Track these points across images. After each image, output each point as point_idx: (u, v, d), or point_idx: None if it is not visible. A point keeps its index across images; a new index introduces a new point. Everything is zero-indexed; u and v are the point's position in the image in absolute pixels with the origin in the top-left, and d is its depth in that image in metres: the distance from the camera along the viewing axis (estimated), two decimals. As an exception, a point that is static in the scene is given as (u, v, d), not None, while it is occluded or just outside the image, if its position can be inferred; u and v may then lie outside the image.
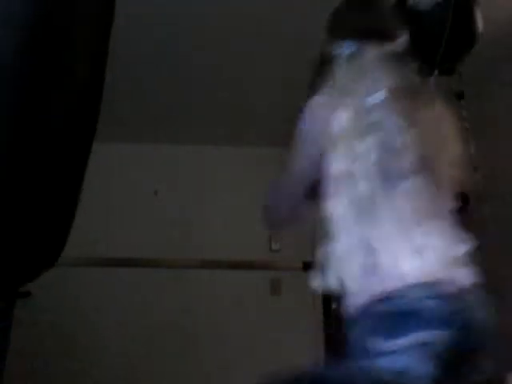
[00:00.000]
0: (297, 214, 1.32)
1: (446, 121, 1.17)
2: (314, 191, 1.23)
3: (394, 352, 0.95)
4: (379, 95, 1.10)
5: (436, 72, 1.30)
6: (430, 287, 0.97)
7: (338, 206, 1.11)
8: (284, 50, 2.64)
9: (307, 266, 2.99)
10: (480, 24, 1.32)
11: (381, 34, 1.24)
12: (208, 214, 3.54)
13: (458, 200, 1.16)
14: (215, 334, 3.26)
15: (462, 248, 1.06)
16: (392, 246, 1.02)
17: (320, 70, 1.40)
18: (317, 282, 1.13)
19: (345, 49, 1.29)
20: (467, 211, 1.40)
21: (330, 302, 3.47)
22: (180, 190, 3.55)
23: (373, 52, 1.20)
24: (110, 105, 3.28)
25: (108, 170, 3.54)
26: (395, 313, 0.98)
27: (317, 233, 1.32)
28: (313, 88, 1.40)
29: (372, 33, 1.26)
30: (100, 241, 3.15)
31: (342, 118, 1.14)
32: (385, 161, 1.06)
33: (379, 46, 1.21)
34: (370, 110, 1.10)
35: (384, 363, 0.96)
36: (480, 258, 1.32)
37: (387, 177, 1.05)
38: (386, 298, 0.98)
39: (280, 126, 3.52)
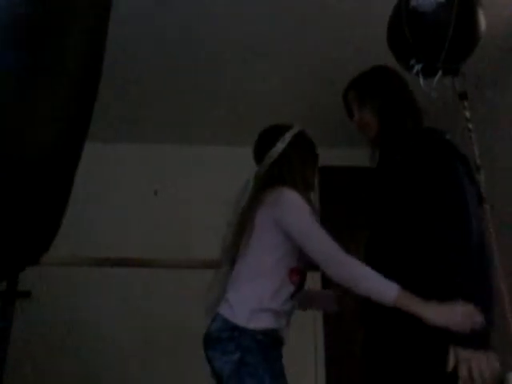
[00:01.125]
0: None
1: None
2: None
3: None
4: None
5: (440, 73, 1.29)
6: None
7: None
8: (284, 49, 2.64)
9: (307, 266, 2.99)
10: (483, 24, 1.32)
11: None
12: (208, 214, 3.54)
13: None
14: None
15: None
16: None
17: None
18: None
19: None
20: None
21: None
22: (180, 190, 3.55)
23: None
24: (109, 105, 3.30)
25: (108, 170, 3.53)
26: None
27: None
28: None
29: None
30: (100, 241, 3.14)
31: None
32: None
33: None
34: None
35: None
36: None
37: None
38: None
39: (280, 126, 3.53)
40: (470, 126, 1.31)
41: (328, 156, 3.91)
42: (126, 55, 2.63)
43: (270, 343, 1.41)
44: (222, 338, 1.39)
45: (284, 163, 1.59)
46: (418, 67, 1.29)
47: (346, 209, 3.79)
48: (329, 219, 3.80)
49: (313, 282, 3.43)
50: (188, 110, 3.28)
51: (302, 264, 1.49)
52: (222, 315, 1.42)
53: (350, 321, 3.27)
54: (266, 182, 1.57)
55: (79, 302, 3.16)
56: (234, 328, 1.37)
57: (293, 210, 1.44)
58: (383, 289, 1.25)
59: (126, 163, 3.60)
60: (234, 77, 2.91)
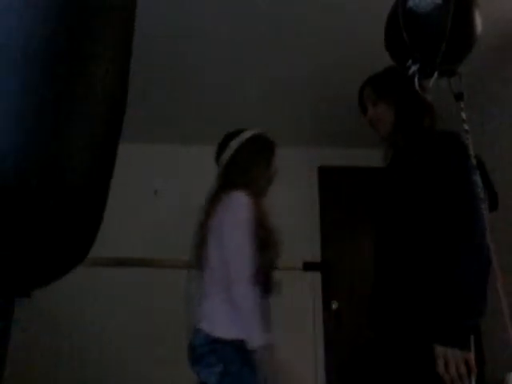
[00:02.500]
0: None
1: None
2: None
3: None
4: None
5: (436, 74, 1.30)
6: None
7: None
8: (284, 49, 2.64)
9: (307, 266, 3.00)
10: (479, 25, 1.32)
11: None
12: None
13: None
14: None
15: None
16: None
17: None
18: None
19: None
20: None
21: (330, 301, 3.48)
22: (180, 190, 3.55)
23: None
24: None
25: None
26: None
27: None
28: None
29: None
30: (100, 241, 3.15)
31: None
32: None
33: None
34: None
35: None
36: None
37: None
38: None
39: (280, 127, 3.53)
40: (467, 127, 1.32)
41: (328, 156, 3.94)
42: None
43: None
44: (205, 352, 1.46)
45: (233, 167, 1.66)
46: (414, 68, 1.29)
47: (346, 209, 3.79)
48: (329, 219, 3.82)
49: (313, 281, 3.45)
50: (188, 109, 3.29)
51: (265, 263, 1.54)
52: (204, 331, 1.49)
53: (349, 322, 3.27)
54: (220, 185, 1.66)
55: (79, 302, 3.17)
56: (215, 341, 1.45)
57: (232, 218, 1.51)
58: (256, 332, 1.38)
59: (125, 163, 3.61)
60: (234, 77, 2.91)
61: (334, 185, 3.85)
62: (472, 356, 1.22)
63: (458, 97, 1.34)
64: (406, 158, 1.50)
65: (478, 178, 1.33)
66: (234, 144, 1.70)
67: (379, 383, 1.44)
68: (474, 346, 1.24)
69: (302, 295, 3.47)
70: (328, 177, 3.82)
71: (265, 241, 1.53)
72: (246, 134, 1.75)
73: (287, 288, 3.55)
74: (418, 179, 1.41)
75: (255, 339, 1.38)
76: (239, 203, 1.53)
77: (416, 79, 1.29)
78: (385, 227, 1.52)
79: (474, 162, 1.32)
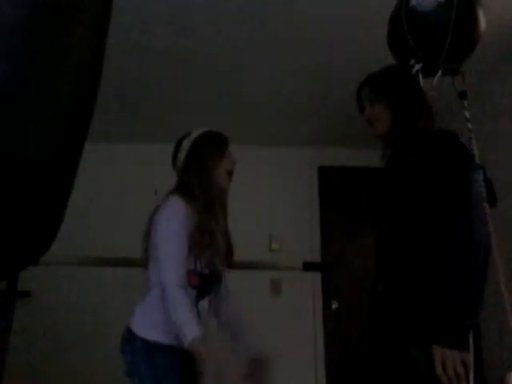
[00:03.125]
0: None
1: None
2: None
3: None
4: None
5: (439, 72, 1.29)
6: None
7: None
8: (284, 49, 2.64)
9: (307, 266, 2.99)
10: (483, 24, 1.32)
11: None
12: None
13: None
14: (214, 333, 3.26)
15: None
16: None
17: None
18: None
19: None
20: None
21: (330, 301, 3.48)
22: (180, 190, 3.55)
23: None
24: (109, 105, 3.30)
25: (108, 170, 3.53)
26: None
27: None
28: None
29: None
30: (100, 241, 3.14)
31: None
32: None
33: None
34: None
35: None
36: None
37: None
38: None
39: (280, 127, 3.53)
40: (470, 125, 1.32)
41: (328, 156, 3.93)
42: (125, 55, 2.63)
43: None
44: (124, 340, 1.57)
45: (189, 167, 1.65)
46: (417, 67, 1.29)
47: (346, 209, 3.79)
48: (329, 219, 3.82)
49: (313, 281, 3.44)
50: (188, 109, 3.28)
51: (203, 267, 1.55)
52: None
53: (349, 322, 3.27)
54: (173, 188, 1.67)
55: (79, 302, 3.16)
56: (129, 331, 1.55)
57: (164, 219, 1.52)
58: (186, 327, 1.39)
59: (126, 163, 3.60)
60: (234, 77, 2.91)
61: (334, 185, 3.84)
62: (469, 356, 1.23)
63: (462, 95, 1.34)
64: (402, 158, 1.50)
65: (480, 176, 1.33)
66: (186, 143, 1.71)
67: (376, 383, 1.45)
68: (473, 347, 1.25)
69: (301, 295, 3.46)
70: (328, 177, 3.81)
71: (200, 244, 1.51)
72: (195, 133, 1.75)
73: (287, 288, 3.56)
74: (415, 180, 1.41)
75: (184, 339, 1.38)
76: (169, 208, 1.54)
77: (420, 78, 1.29)
78: (384, 227, 1.53)
79: (476, 159, 1.32)
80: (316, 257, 3.56)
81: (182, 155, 1.70)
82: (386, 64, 1.60)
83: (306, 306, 3.44)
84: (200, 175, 1.61)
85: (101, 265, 2.61)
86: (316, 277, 3.55)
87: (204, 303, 1.57)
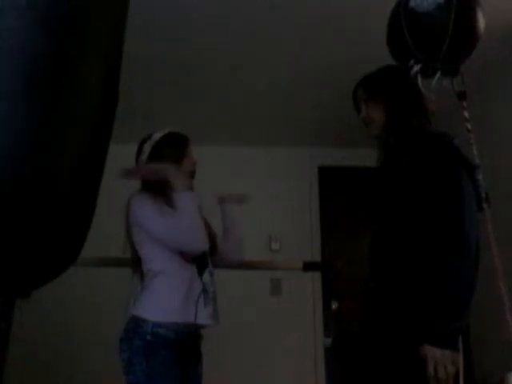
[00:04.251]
0: None
1: None
2: None
3: None
4: None
5: (439, 73, 1.30)
6: None
7: None
8: (284, 50, 2.64)
9: (307, 266, 3.00)
10: (482, 24, 1.32)
11: None
12: (207, 213, 3.54)
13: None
14: (214, 333, 3.26)
15: None
16: None
17: None
18: None
19: None
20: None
21: (330, 301, 3.49)
22: (180, 190, 3.55)
23: None
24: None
25: (108, 171, 3.53)
26: None
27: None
28: None
29: None
30: (100, 241, 3.14)
31: None
32: None
33: None
34: None
35: None
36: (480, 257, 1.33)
37: None
38: None
39: (280, 127, 3.53)
40: (469, 126, 1.32)
41: (328, 156, 3.94)
42: (126, 56, 2.63)
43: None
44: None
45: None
46: (416, 68, 1.29)
47: (346, 209, 3.79)
48: (329, 219, 3.82)
49: (313, 281, 3.45)
50: (188, 109, 3.29)
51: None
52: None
53: (349, 323, 3.27)
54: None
55: (79, 302, 3.16)
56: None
57: (138, 211, 1.65)
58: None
59: (126, 163, 3.60)
60: (234, 77, 2.91)
61: (334, 185, 3.85)
62: (459, 357, 1.24)
63: (461, 96, 1.34)
64: (395, 159, 1.50)
65: (477, 176, 1.34)
66: (147, 147, 1.80)
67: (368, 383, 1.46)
68: (463, 347, 1.26)
69: (302, 295, 3.46)
70: (328, 177, 3.82)
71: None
72: (157, 135, 1.84)
73: (287, 288, 3.56)
74: (406, 181, 1.42)
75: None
76: (131, 204, 1.67)
77: (419, 78, 1.30)
78: (375, 228, 1.53)
79: (476, 160, 1.32)
80: (316, 257, 3.56)
81: (143, 158, 1.80)
82: (385, 64, 1.61)
83: (305, 306, 3.45)
84: (154, 182, 1.71)
85: (100, 265, 2.61)
86: (316, 277, 3.56)
87: (206, 276, 1.66)
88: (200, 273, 1.65)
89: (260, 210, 3.52)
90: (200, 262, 1.66)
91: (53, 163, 0.73)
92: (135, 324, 1.57)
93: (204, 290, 1.63)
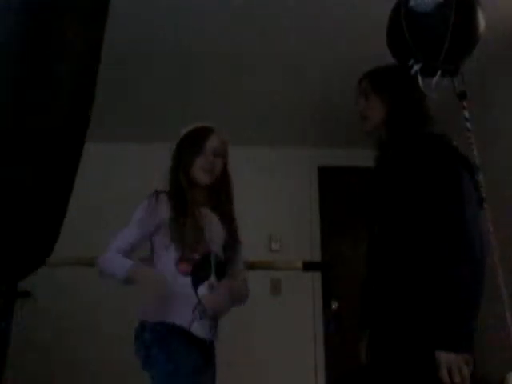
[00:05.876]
0: None
1: None
2: None
3: None
4: None
5: (439, 73, 1.29)
6: None
7: None
8: (285, 49, 2.64)
9: (307, 266, 2.99)
10: (482, 24, 1.32)
11: None
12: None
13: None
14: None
15: None
16: None
17: None
18: None
19: None
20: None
21: (330, 301, 3.48)
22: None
23: None
24: (109, 105, 3.30)
25: (108, 171, 3.53)
26: None
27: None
28: None
29: None
30: (100, 241, 3.14)
31: None
32: None
33: None
34: None
35: None
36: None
37: None
38: None
39: (280, 127, 3.53)
40: (469, 125, 1.32)
41: (328, 156, 3.93)
42: (125, 55, 2.63)
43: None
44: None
45: (172, 167, 1.80)
46: (416, 67, 1.29)
47: (346, 209, 3.79)
48: (329, 219, 3.82)
49: (313, 281, 3.44)
50: (189, 110, 3.28)
51: (191, 253, 1.59)
52: None
53: (349, 322, 3.26)
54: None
55: (79, 302, 3.16)
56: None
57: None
58: (117, 267, 1.60)
59: (126, 163, 3.60)
60: (234, 76, 2.91)
61: (334, 185, 3.84)
62: (471, 359, 1.22)
63: (461, 96, 1.34)
64: (393, 160, 1.49)
65: (480, 178, 1.33)
66: (174, 146, 1.83)
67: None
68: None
69: (301, 295, 3.46)
70: (328, 177, 3.81)
71: (172, 231, 1.59)
72: (181, 132, 1.87)
73: (287, 288, 3.56)
74: (406, 183, 1.40)
75: (120, 276, 1.61)
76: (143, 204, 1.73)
77: (419, 78, 1.29)
78: (376, 231, 1.52)
79: (476, 159, 1.32)
80: (316, 257, 3.56)
81: (170, 157, 1.83)
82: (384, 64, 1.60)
83: (305, 306, 3.44)
84: (175, 173, 1.74)
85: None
86: (316, 277, 3.56)
87: (203, 289, 1.57)
88: (194, 286, 1.57)
89: (260, 210, 3.52)
90: (196, 274, 1.58)
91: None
92: (139, 325, 1.64)
93: (200, 305, 1.56)
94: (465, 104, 1.33)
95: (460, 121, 1.45)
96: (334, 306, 3.46)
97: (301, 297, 3.45)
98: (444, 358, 1.21)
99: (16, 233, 0.80)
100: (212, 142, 1.78)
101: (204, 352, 1.59)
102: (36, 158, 0.76)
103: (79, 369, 3.03)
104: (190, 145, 1.77)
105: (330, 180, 3.82)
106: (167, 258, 1.59)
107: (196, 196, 1.70)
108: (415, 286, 1.33)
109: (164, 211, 1.64)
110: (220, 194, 1.78)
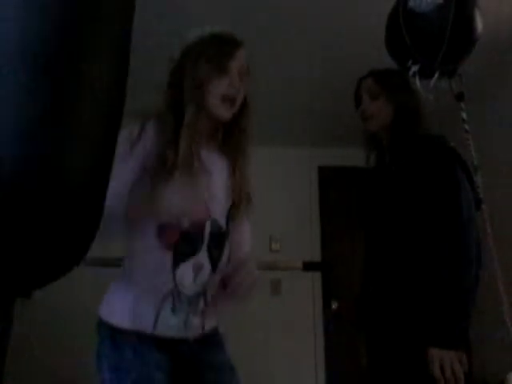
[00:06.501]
0: None
1: None
2: None
3: None
4: None
5: (437, 74, 1.30)
6: None
7: None
8: (285, 50, 2.64)
9: (307, 266, 3.00)
10: (480, 25, 1.33)
11: None
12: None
13: None
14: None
15: None
16: None
17: None
18: None
19: None
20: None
21: (330, 301, 3.49)
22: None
23: None
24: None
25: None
26: None
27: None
28: None
29: None
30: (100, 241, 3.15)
31: None
32: None
33: None
34: None
35: None
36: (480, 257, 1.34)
37: None
38: None
39: (280, 127, 3.53)
40: (467, 127, 1.32)
41: (328, 156, 3.93)
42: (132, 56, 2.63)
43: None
44: None
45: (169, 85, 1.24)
46: (415, 68, 1.29)
47: (346, 209, 3.79)
48: (329, 219, 3.82)
49: (313, 281, 3.45)
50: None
51: (180, 218, 1.11)
52: None
53: (349, 322, 3.27)
54: None
55: (79, 302, 3.16)
56: None
57: None
58: None
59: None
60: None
61: (334, 185, 3.84)
62: (465, 356, 1.23)
63: (459, 97, 1.34)
64: (392, 161, 1.49)
65: (478, 178, 1.34)
66: (173, 55, 1.32)
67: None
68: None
69: (301, 295, 3.46)
70: (328, 177, 3.81)
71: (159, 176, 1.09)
72: (189, 37, 1.30)
73: (287, 288, 3.56)
74: (405, 184, 1.41)
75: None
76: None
77: (417, 79, 1.30)
78: (374, 232, 1.52)
79: (474, 161, 1.32)
80: (316, 257, 3.56)
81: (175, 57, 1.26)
82: (386, 65, 1.60)
83: (305, 306, 3.45)
84: (175, 92, 1.23)
85: (101, 265, 2.61)
86: (316, 277, 3.56)
87: (185, 268, 1.12)
88: (174, 264, 1.11)
89: (260, 210, 3.52)
90: (179, 249, 1.12)
91: (61, 156, 0.73)
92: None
93: (175, 291, 1.12)
94: (463, 105, 1.33)
95: (458, 122, 1.45)
96: (333, 306, 3.48)
97: (301, 297, 3.45)
98: (437, 354, 1.22)
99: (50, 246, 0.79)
100: (240, 61, 1.23)
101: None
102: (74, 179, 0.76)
103: (79, 369, 3.04)
104: (209, 58, 1.19)
105: (330, 180, 3.82)
106: (143, 223, 1.12)
107: (201, 131, 1.18)
108: (411, 285, 1.35)
109: (148, 145, 1.12)
110: (234, 133, 1.27)
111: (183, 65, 1.23)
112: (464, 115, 1.33)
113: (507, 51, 2.52)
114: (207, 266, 1.15)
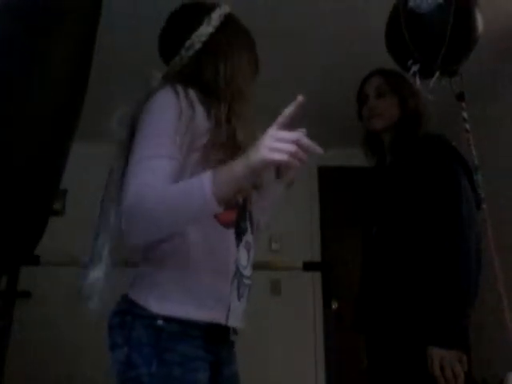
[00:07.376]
0: None
1: None
2: None
3: None
4: None
5: (437, 73, 1.30)
6: None
7: None
8: (286, 49, 2.64)
9: (307, 266, 3.00)
10: (480, 25, 1.33)
11: None
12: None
13: None
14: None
15: None
16: None
17: None
18: None
19: None
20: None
21: (330, 301, 3.48)
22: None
23: None
24: (109, 104, 3.29)
25: (108, 170, 3.54)
26: None
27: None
28: None
29: None
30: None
31: None
32: None
33: None
34: None
35: None
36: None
37: None
38: None
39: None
40: (468, 126, 1.32)
41: (328, 156, 3.93)
42: (125, 53, 2.64)
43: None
44: None
45: (209, 54, 1.10)
46: (415, 68, 1.29)
47: (346, 209, 3.79)
48: (329, 219, 3.82)
49: (313, 282, 3.45)
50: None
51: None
52: None
53: (350, 322, 3.27)
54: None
55: (79, 302, 3.16)
56: None
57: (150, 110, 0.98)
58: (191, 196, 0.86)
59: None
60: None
61: (334, 185, 3.84)
62: (465, 356, 1.24)
63: (460, 97, 1.34)
64: (395, 160, 1.49)
65: (479, 178, 1.34)
66: (211, 20, 1.25)
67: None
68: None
69: (302, 295, 3.47)
70: (328, 177, 3.81)
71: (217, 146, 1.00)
72: (224, 9, 1.30)
73: (287, 288, 3.56)
74: (406, 183, 1.41)
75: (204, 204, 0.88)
76: (164, 98, 1.05)
77: (417, 79, 1.30)
78: (374, 231, 1.52)
79: (475, 160, 1.32)
80: (316, 257, 3.56)
81: (206, 30, 1.12)
82: (387, 65, 1.60)
83: (305, 306, 3.45)
84: (210, 61, 1.10)
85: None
86: (316, 277, 3.56)
87: (241, 248, 1.02)
88: (238, 242, 1.00)
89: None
90: (239, 226, 1.02)
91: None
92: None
93: (239, 274, 1.00)
94: (463, 105, 1.33)
95: (459, 121, 1.45)
96: (334, 306, 3.47)
97: (301, 297, 3.46)
98: (436, 353, 1.22)
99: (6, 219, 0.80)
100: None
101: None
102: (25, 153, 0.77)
103: (79, 369, 3.04)
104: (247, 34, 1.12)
105: (330, 180, 3.82)
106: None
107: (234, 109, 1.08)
108: (410, 284, 1.35)
109: (200, 116, 0.99)
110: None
111: (217, 39, 1.13)
112: (465, 115, 1.34)
113: (507, 51, 2.52)
114: (253, 245, 1.05)
